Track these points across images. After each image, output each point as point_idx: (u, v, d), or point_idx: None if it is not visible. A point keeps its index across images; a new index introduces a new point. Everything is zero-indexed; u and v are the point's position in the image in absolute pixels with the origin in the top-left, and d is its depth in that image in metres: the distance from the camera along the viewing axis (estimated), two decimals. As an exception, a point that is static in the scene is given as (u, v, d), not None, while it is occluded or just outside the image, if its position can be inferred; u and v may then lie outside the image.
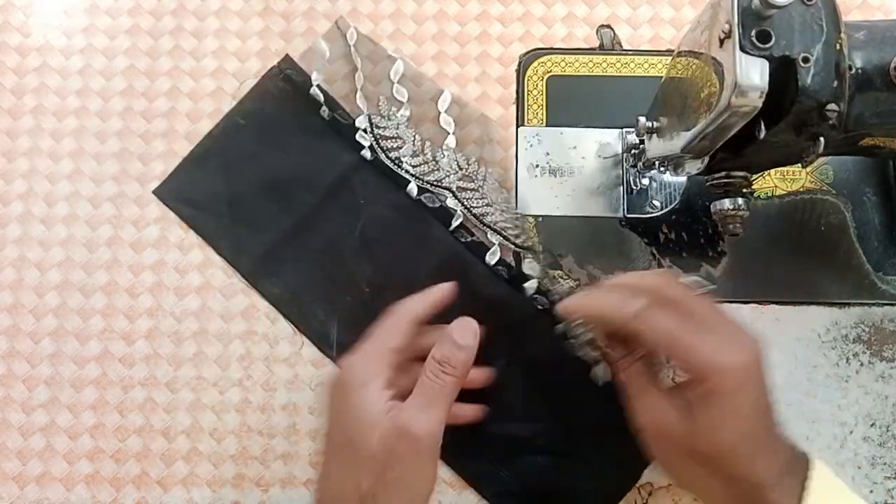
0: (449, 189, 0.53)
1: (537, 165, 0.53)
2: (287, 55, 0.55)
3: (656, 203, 0.52)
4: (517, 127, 0.54)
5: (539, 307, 0.51)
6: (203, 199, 0.53)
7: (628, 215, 0.52)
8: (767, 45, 0.36)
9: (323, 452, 0.42)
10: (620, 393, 0.43)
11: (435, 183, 0.53)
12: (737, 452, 0.38)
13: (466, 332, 0.43)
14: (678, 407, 0.39)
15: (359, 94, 0.54)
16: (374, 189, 0.53)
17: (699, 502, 0.44)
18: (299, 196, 0.53)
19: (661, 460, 0.42)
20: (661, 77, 0.48)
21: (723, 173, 0.44)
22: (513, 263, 0.52)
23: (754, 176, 0.45)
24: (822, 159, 0.52)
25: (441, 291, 0.45)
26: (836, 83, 0.38)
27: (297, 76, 0.54)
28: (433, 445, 0.39)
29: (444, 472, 0.49)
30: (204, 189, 0.53)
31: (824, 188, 0.52)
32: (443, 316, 0.45)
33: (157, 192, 0.53)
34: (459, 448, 0.46)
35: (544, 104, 0.54)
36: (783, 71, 0.37)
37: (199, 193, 0.53)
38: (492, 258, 0.51)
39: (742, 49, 0.36)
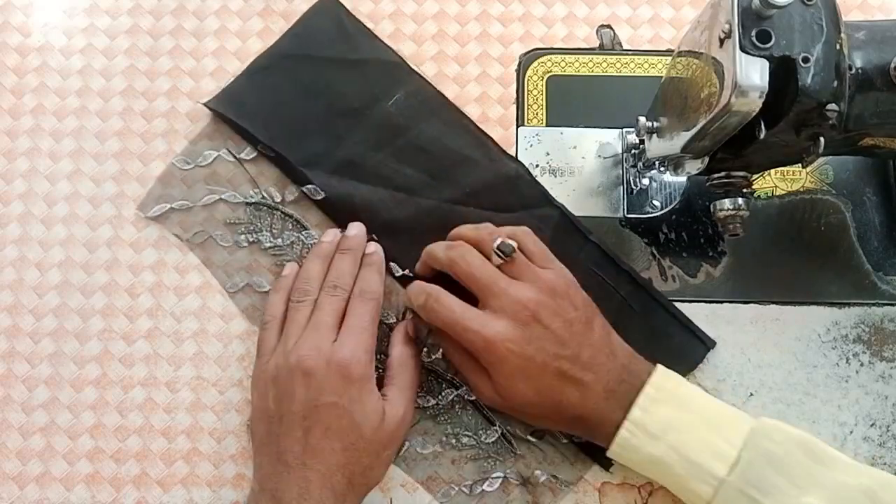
0: None
1: (537, 165, 0.53)
2: None
3: (656, 203, 0.52)
4: (517, 127, 0.54)
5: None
6: (258, 108, 0.53)
7: (628, 215, 0.52)
8: (767, 45, 0.36)
9: (311, 421, 0.43)
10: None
11: None
12: (530, 406, 0.44)
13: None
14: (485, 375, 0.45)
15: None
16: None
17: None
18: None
19: (501, 411, 0.47)
20: (661, 77, 0.48)
21: (723, 173, 0.44)
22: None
23: (754, 176, 0.45)
24: (822, 159, 0.52)
25: None
26: (836, 83, 0.38)
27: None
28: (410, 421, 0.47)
29: (398, 474, 0.48)
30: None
31: (824, 188, 0.52)
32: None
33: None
34: None
35: (544, 104, 0.54)
36: (783, 71, 0.37)
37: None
38: None
39: (742, 49, 0.36)
